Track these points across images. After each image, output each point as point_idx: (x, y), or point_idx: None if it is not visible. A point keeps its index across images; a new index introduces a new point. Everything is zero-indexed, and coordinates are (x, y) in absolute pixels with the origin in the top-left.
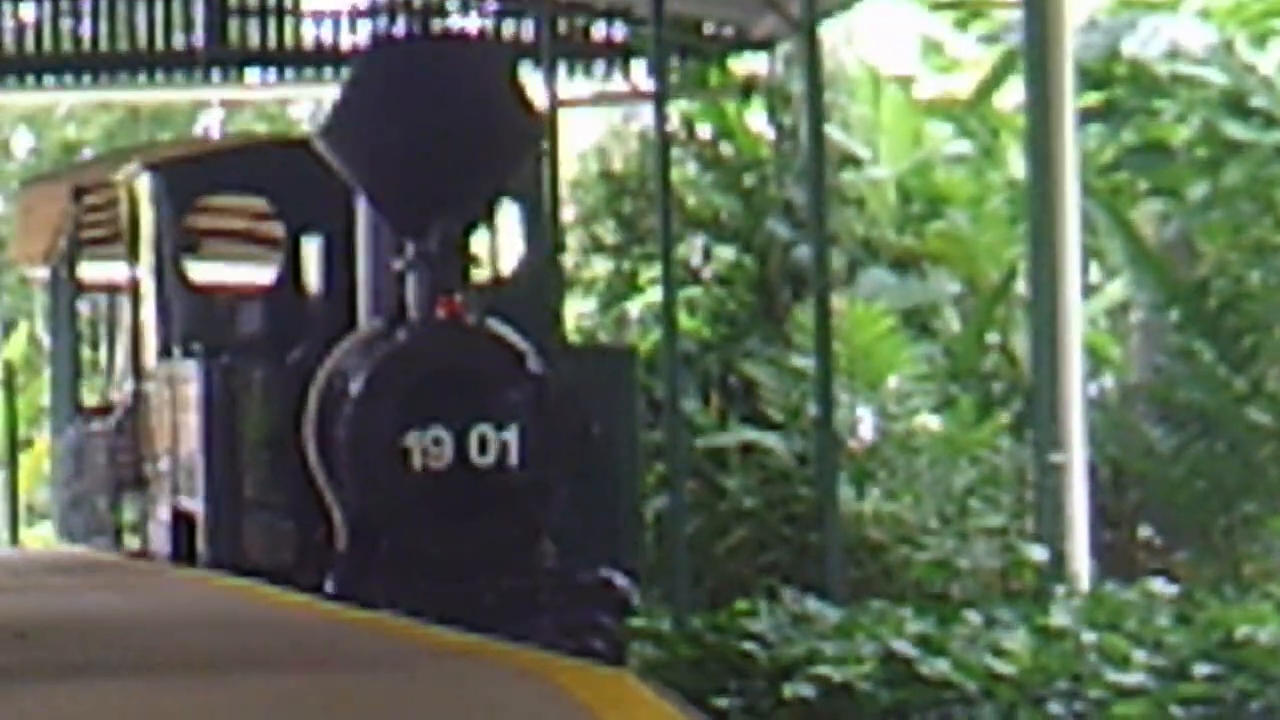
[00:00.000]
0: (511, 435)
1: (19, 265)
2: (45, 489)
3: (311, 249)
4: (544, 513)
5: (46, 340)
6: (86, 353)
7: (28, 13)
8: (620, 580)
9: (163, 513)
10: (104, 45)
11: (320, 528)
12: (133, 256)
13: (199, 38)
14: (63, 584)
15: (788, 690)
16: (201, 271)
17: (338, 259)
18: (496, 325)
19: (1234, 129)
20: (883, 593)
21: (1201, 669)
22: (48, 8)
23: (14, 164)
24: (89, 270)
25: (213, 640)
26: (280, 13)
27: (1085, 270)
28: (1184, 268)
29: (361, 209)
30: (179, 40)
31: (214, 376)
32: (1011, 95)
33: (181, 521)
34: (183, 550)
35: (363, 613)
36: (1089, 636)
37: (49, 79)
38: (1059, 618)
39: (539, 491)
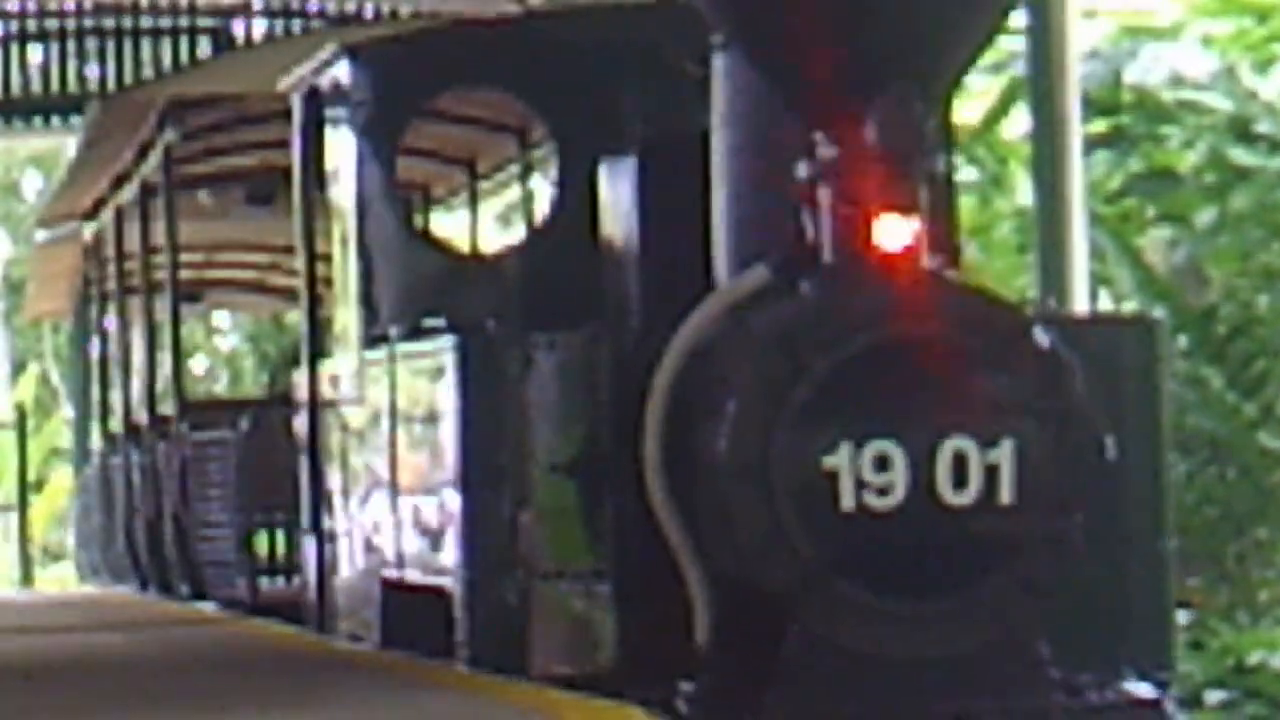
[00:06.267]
0: (1005, 454)
1: (53, 225)
2: (58, 530)
3: (618, 174)
4: (1052, 586)
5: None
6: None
7: (35, 54)
8: (1163, 698)
9: (364, 573)
10: (111, 86)
11: (668, 607)
12: (304, 194)
13: None
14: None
15: None
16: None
17: (659, 186)
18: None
19: (1240, 155)
20: None
21: (1214, 696)
22: (55, 49)
23: (24, 206)
24: (191, 223)
25: (214, 679)
26: None
27: (1094, 297)
28: (1192, 294)
29: (723, 82)
30: None
31: (480, 360)
32: (1018, 123)
33: (406, 593)
34: (414, 635)
35: (365, 649)
36: None
37: (57, 120)
38: None
39: (1049, 551)
